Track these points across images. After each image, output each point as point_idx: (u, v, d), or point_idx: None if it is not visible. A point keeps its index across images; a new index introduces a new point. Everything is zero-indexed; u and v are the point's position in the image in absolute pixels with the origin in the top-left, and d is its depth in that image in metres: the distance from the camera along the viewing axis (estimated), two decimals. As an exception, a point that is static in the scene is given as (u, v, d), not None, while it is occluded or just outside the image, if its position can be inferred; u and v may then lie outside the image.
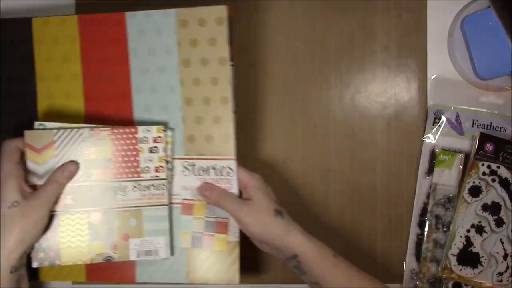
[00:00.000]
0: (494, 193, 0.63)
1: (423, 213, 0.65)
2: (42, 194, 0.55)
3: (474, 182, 0.64)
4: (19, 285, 0.55)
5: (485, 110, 0.65)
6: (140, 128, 0.58)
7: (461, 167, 0.64)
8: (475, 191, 0.63)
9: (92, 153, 0.58)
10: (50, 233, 0.57)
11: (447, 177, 0.65)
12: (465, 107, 0.66)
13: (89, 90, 0.60)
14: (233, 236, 0.59)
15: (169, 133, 0.59)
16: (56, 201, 0.57)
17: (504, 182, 0.63)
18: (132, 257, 0.58)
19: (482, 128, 0.65)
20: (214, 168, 0.59)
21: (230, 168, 0.58)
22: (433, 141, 0.66)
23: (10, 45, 0.61)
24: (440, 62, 0.67)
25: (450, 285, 0.64)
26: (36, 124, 0.58)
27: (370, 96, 0.67)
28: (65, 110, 0.61)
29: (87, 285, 0.67)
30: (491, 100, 0.66)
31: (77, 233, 0.58)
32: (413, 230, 0.65)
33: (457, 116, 0.65)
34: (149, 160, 0.58)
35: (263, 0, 0.67)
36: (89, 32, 0.60)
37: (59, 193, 0.57)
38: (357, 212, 0.66)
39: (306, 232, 0.56)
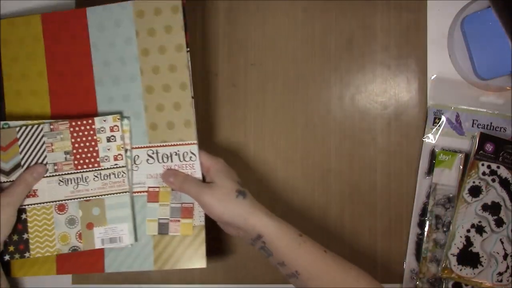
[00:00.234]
0: (494, 193, 0.63)
1: (423, 213, 0.65)
2: (13, 193, 0.58)
3: (474, 182, 0.64)
4: None
5: (485, 110, 0.66)
6: (96, 119, 0.60)
7: (461, 167, 0.64)
8: (475, 191, 0.63)
9: (53, 147, 0.60)
10: (18, 227, 0.60)
11: (447, 177, 0.65)
12: (465, 107, 0.66)
13: (54, 87, 0.62)
14: (199, 221, 0.60)
15: (125, 121, 0.61)
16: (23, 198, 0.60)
17: (504, 182, 0.63)
18: (97, 245, 0.60)
19: (482, 128, 0.65)
20: (177, 154, 0.60)
21: (192, 153, 0.60)
22: (433, 141, 0.66)
23: None
24: (440, 62, 0.67)
25: (450, 285, 0.64)
26: (1, 124, 0.60)
27: (370, 96, 0.67)
28: (32, 107, 0.62)
29: (87, 285, 0.67)
30: (491, 100, 0.66)
31: (43, 225, 0.60)
32: (413, 230, 0.65)
33: (457, 116, 0.65)
34: (108, 149, 0.60)
35: (263, 0, 0.67)
36: (52, 30, 0.62)
37: (27, 192, 0.59)
38: (357, 212, 0.66)
39: (270, 212, 0.56)
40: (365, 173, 0.66)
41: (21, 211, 0.59)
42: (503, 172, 0.64)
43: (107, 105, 0.61)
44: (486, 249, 0.63)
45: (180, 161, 0.60)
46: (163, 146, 0.61)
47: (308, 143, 0.67)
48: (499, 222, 0.63)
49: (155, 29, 0.60)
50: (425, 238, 0.64)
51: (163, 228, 0.60)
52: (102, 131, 0.60)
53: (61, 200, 0.60)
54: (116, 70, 0.61)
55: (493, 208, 0.63)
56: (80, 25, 0.62)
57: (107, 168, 0.60)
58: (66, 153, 0.60)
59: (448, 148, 0.65)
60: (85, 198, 0.60)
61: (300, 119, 0.67)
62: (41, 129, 0.60)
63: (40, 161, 0.60)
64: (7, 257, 0.60)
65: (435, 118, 0.65)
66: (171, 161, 0.60)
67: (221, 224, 0.59)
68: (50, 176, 0.60)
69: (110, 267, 0.61)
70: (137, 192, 0.61)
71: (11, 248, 0.60)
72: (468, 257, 0.63)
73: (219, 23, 0.67)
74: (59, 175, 0.60)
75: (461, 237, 0.63)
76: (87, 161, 0.60)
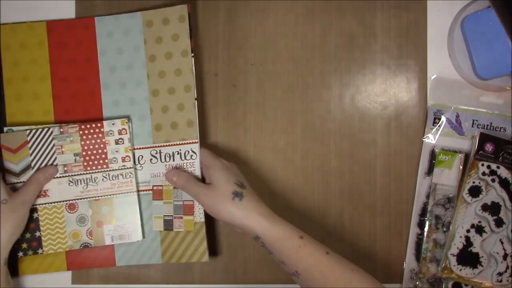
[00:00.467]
0: (494, 193, 0.63)
1: (423, 213, 0.65)
2: (26, 192, 0.60)
3: (474, 182, 0.64)
4: (7, 277, 0.60)
5: (485, 110, 0.65)
6: (105, 122, 0.63)
7: (461, 167, 0.64)
8: (475, 191, 0.63)
9: (63, 149, 0.62)
10: (30, 226, 0.62)
11: (447, 177, 0.65)
12: (465, 107, 0.66)
13: (58, 90, 0.64)
14: (199, 217, 0.63)
15: (130, 125, 0.64)
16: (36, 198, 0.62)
17: (504, 182, 0.63)
18: (107, 241, 0.63)
19: (482, 128, 0.65)
20: (178, 153, 0.63)
21: (193, 151, 0.63)
22: (433, 141, 0.66)
23: None
24: (440, 62, 0.67)
25: (450, 285, 0.64)
26: (5, 129, 0.63)
27: (370, 96, 0.67)
28: (34, 110, 0.64)
29: (87, 285, 0.67)
30: (491, 100, 0.66)
31: (55, 224, 0.63)
32: (413, 230, 0.65)
33: (457, 116, 0.65)
34: (116, 151, 0.63)
35: (263, 0, 0.67)
36: (57, 35, 0.64)
37: (39, 191, 0.62)
38: (357, 212, 0.66)
39: (270, 212, 0.57)
40: (365, 173, 0.66)
41: (32, 210, 0.62)
42: (503, 172, 0.64)
43: (113, 108, 0.64)
44: (486, 249, 0.63)
45: (182, 159, 0.63)
46: (166, 146, 0.63)
47: (308, 143, 0.67)
48: (499, 222, 0.63)
49: (162, 37, 0.63)
50: (425, 238, 0.64)
51: (168, 225, 0.63)
52: (110, 134, 0.63)
53: (71, 200, 0.63)
54: (122, 75, 0.64)
55: (493, 208, 0.63)
56: (88, 31, 0.64)
57: (116, 169, 0.63)
58: (76, 155, 0.63)
59: (448, 148, 0.65)
60: (94, 198, 0.63)
61: (300, 119, 0.67)
62: (51, 132, 0.62)
63: (50, 162, 0.62)
64: (20, 254, 0.62)
65: (435, 118, 0.65)
66: (173, 160, 0.63)
67: (221, 222, 0.61)
68: (60, 177, 0.63)
69: (120, 261, 0.64)
70: (143, 190, 0.63)
71: (24, 245, 0.62)
72: (468, 257, 0.63)
73: (219, 23, 0.67)
74: (69, 176, 0.63)
75: (461, 237, 0.63)
76: (96, 162, 0.63)
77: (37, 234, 0.62)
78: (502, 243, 0.63)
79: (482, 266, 0.63)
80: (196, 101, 0.63)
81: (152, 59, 0.63)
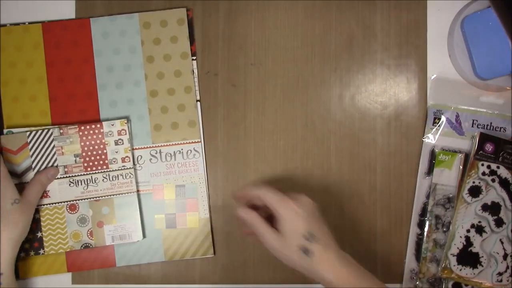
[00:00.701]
0: (494, 193, 0.63)
1: (423, 213, 0.65)
2: (31, 194, 0.61)
3: (474, 182, 0.64)
4: (13, 278, 0.59)
5: (485, 110, 0.65)
6: (105, 123, 0.63)
7: (461, 167, 0.64)
8: (475, 191, 0.63)
9: (63, 150, 0.63)
10: (32, 226, 0.62)
11: (447, 177, 0.65)
12: (465, 107, 0.66)
13: (54, 91, 0.64)
14: (204, 213, 0.64)
15: (129, 125, 0.64)
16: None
17: (504, 182, 0.63)
18: (108, 242, 0.63)
19: (482, 128, 0.65)
20: (180, 152, 0.64)
21: (196, 150, 0.63)
22: (433, 141, 0.66)
23: None
24: (440, 62, 0.67)
25: (450, 285, 0.64)
26: (5, 131, 0.63)
27: (370, 96, 0.67)
28: (31, 112, 0.64)
29: (87, 285, 0.67)
30: (491, 100, 0.66)
31: (56, 224, 0.63)
32: (413, 230, 0.65)
33: (457, 116, 0.65)
34: (116, 152, 0.63)
35: (263, 0, 0.67)
36: (53, 37, 0.64)
37: (42, 192, 0.62)
38: (357, 212, 0.66)
39: (341, 257, 0.55)
40: (365, 173, 0.66)
41: (35, 211, 0.62)
42: (503, 172, 0.64)
43: (110, 109, 0.64)
44: (486, 249, 0.63)
45: (184, 158, 0.64)
46: (167, 145, 0.64)
47: (308, 143, 0.67)
48: (499, 222, 0.63)
49: (160, 39, 0.64)
50: (425, 238, 0.64)
51: (170, 222, 0.64)
52: (110, 134, 0.63)
53: (72, 200, 0.63)
54: (119, 75, 0.64)
55: (493, 208, 0.63)
56: (83, 32, 0.64)
57: (115, 170, 0.63)
58: (76, 156, 0.63)
59: (448, 148, 0.65)
60: (94, 198, 0.63)
61: (300, 119, 0.67)
62: (51, 134, 0.63)
63: (50, 163, 0.63)
64: (22, 254, 0.62)
65: (435, 118, 0.65)
66: (175, 159, 0.64)
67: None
68: (61, 177, 0.63)
69: (121, 261, 0.64)
70: (143, 190, 0.64)
71: (27, 246, 0.63)
72: (468, 257, 0.63)
73: (219, 23, 0.67)
74: (69, 176, 0.63)
75: (461, 237, 0.63)
76: (96, 163, 0.63)
77: (39, 234, 0.63)
78: (502, 243, 0.63)
79: (482, 266, 0.63)
80: (198, 103, 0.64)
81: (150, 60, 0.64)
